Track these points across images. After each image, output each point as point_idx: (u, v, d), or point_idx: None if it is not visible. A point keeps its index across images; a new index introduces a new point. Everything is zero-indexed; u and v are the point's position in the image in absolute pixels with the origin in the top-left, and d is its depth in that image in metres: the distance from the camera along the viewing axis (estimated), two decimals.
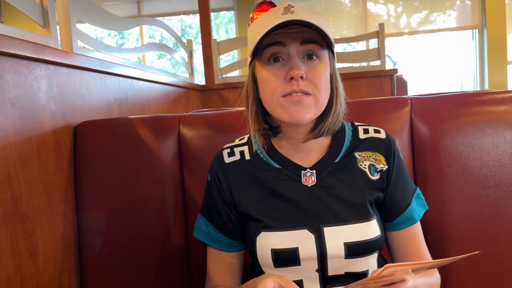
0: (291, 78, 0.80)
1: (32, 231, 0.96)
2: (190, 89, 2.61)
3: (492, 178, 1.08)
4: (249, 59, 0.87)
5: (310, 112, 0.82)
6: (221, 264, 0.94)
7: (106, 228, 1.13)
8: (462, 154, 1.09)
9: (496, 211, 1.08)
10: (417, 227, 0.93)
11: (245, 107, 0.90)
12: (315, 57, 0.82)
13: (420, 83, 6.08)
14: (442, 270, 0.93)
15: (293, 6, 0.81)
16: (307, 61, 0.82)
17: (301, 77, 0.80)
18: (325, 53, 0.84)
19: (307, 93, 0.81)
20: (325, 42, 0.82)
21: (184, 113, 1.22)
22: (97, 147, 1.16)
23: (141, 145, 1.15)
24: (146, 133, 1.16)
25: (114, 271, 1.13)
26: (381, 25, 2.87)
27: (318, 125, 0.86)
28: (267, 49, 0.82)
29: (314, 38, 0.81)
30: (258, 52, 0.83)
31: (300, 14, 0.79)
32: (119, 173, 1.15)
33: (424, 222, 0.94)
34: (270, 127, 0.89)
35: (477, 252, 0.62)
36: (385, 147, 0.90)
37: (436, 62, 6.22)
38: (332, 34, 0.84)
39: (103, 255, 1.12)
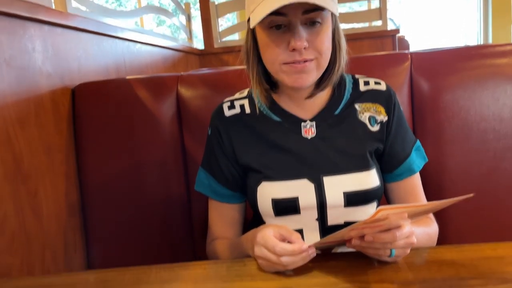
0: (294, 49, 0.78)
1: (34, 191, 0.98)
2: (189, 53, 2.58)
3: (491, 132, 1.08)
4: (247, 16, 0.84)
5: (312, 77, 0.82)
6: (222, 216, 0.96)
7: (108, 188, 1.14)
8: (462, 108, 1.09)
9: (495, 165, 1.09)
10: (416, 178, 0.94)
11: (246, 67, 0.89)
12: (318, 23, 0.80)
13: (423, 44, 5.98)
14: (439, 223, 0.94)
15: None
16: (310, 27, 0.79)
17: (304, 48, 0.78)
18: (327, 14, 0.81)
19: (308, 60, 0.80)
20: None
21: (182, 73, 1.21)
22: (96, 109, 1.16)
23: (140, 106, 1.15)
24: (144, 94, 1.16)
25: (117, 229, 1.15)
26: None
27: (321, 82, 0.86)
28: (268, 16, 0.79)
29: (317, 6, 0.77)
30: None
31: None
32: (118, 134, 1.15)
33: (423, 177, 0.94)
34: (271, 84, 0.88)
35: (471, 195, 0.62)
36: (385, 99, 0.90)
37: (439, 22, 6.09)
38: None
39: (106, 214, 1.14)
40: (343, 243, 0.73)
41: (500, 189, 1.10)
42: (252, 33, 0.85)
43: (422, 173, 0.94)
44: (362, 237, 0.69)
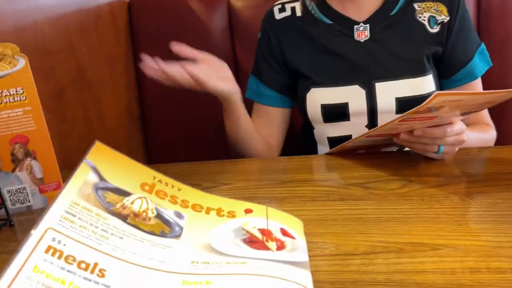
0: None
1: (98, 98, 1.05)
2: None
3: None
4: None
5: None
6: (264, 118, 0.94)
7: (166, 101, 1.19)
8: None
9: None
10: (478, 83, 0.89)
11: None
12: None
13: None
14: (502, 125, 0.89)
15: None
16: None
17: None
18: None
19: None
20: None
21: None
22: (151, 21, 1.19)
23: (193, 18, 1.16)
24: (197, 6, 1.16)
25: (175, 136, 1.22)
26: None
27: None
28: None
29: None
30: None
31: None
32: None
33: (486, 85, 0.89)
34: None
35: None
36: None
37: None
38: None
39: (164, 123, 1.21)
40: (390, 139, 0.73)
41: None
42: None
43: (485, 80, 0.89)
44: (411, 132, 0.68)
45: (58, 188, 0.68)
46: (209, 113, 1.19)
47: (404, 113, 0.62)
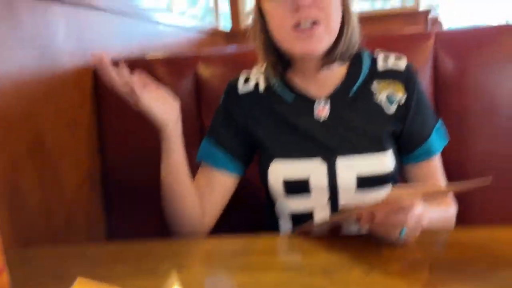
0: (298, 8, 0.77)
1: (57, 165, 1.01)
2: (215, 34, 2.58)
3: None
4: None
5: (322, 42, 0.80)
6: (208, 179, 0.91)
7: (128, 163, 1.17)
8: (488, 88, 1.05)
9: None
10: (437, 160, 0.90)
11: (253, 41, 0.88)
12: None
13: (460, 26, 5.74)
14: (462, 204, 0.91)
15: None
16: None
17: (308, 5, 0.77)
18: None
19: (316, 23, 0.78)
20: None
21: (202, 53, 1.21)
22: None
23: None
24: (164, 73, 1.17)
25: (137, 203, 1.18)
26: None
27: (329, 52, 0.83)
28: None
29: None
30: None
31: None
32: (138, 113, 1.17)
33: (445, 159, 0.92)
34: (280, 60, 0.87)
35: (488, 180, 0.60)
36: (405, 76, 0.87)
37: (479, 2, 5.82)
38: None
39: (126, 187, 1.18)
40: (353, 222, 0.73)
41: None
42: (258, 8, 0.85)
43: (444, 155, 0.91)
44: (373, 216, 0.68)
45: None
46: None
47: (364, 205, 0.63)
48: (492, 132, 1.05)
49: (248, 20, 2.87)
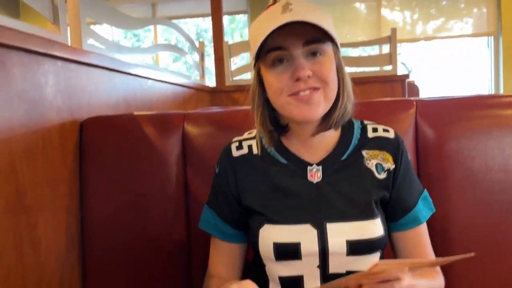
0: (298, 79, 0.80)
1: (35, 223, 0.98)
2: (200, 90, 2.63)
3: (497, 183, 1.07)
4: (253, 62, 0.87)
5: (320, 107, 0.83)
6: (222, 255, 0.95)
7: (109, 224, 1.14)
8: (467, 158, 1.08)
9: (502, 217, 1.07)
10: (423, 228, 0.92)
11: (251, 109, 0.90)
12: (319, 54, 0.82)
13: (435, 90, 6.02)
14: (446, 274, 0.92)
15: (291, 4, 0.80)
16: (312, 58, 0.82)
17: (308, 76, 0.80)
18: (328, 47, 0.84)
19: (315, 88, 0.81)
20: (327, 36, 0.82)
21: (189, 111, 1.23)
22: (103, 143, 1.17)
23: (146, 142, 1.16)
24: (151, 130, 1.17)
25: (116, 266, 1.13)
26: (393, 30, 2.86)
27: (326, 118, 0.86)
28: (270, 53, 0.82)
29: (316, 37, 0.81)
30: (261, 55, 0.83)
31: (299, 11, 0.79)
32: (123, 170, 1.16)
33: (429, 226, 0.93)
34: (277, 126, 0.89)
35: (471, 254, 0.61)
36: (393, 147, 0.90)
37: (451, 69, 6.15)
38: (333, 27, 0.83)
39: (106, 250, 1.13)
40: None
41: (508, 241, 1.07)
42: (258, 75, 0.87)
43: (427, 221, 0.92)
44: (360, 287, 0.67)
45: None
46: (156, 241, 1.13)
47: (350, 275, 0.62)
48: (472, 200, 1.07)
49: (232, 78, 2.95)
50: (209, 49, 3.22)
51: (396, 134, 0.92)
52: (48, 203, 1.02)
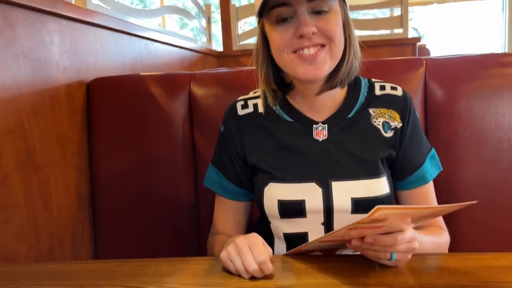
0: (301, 36, 0.78)
1: (46, 181, 0.99)
2: (207, 54, 2.60)
3: (507, 141, 1.06)
4: (257, 18, 0.85)
5: (325, 66, 0.81)
6: (227, 213, 0.96)
7: (118, 183, 1.15)
8: (476, 116, 1.06)
9: (509, 175, 1.06)
10: (429, 187, 0.92)
11: (256, 67, 0.89)
12: (325, 11, 0.80)
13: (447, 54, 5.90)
14: (451, 232, 0.92)
15: None
16: (317, 15, 0.80)
17: (312, 33, 0.78)
18: (334, 2, 0.81)
19: (322, 46, 0.80)
20: None
21: (195, 71, 1.22)
22: (109, 104, 1.18)
23: (153, 103, 1.16)
24: (157, 91, 1.17)
25: (125, 223, 1.16)
26: None
27: (331, 76, 0.84)
28: (274, 9, 0.80)
29: None
30: (265, 11, 0.81)
31: None
32: (130, 130, 1.17)
33: (436, 185, 0.92)
34: (282, 84, 0.88)
35: (474, 202, 0.61)
36: (400, 105, 0.89)
37: (463, 33, 6.00)
38: None
39: (115, 207, 1.16)
40: (344, 244, 0.72)
41: None
42: (262, 33, 0.86)
43: (434, 181, 0.92)
44: (362, 238, 0.68)
45: None
46: (164, 199, 1.15)
47: (350, 223, 0.63)
48: (480, 159, 1.07)
49: (239, 42, 2.91)
50: (216, 16, 3.16)
51: (404, 92, 0.91)
52: (57, 162, 1.04)
